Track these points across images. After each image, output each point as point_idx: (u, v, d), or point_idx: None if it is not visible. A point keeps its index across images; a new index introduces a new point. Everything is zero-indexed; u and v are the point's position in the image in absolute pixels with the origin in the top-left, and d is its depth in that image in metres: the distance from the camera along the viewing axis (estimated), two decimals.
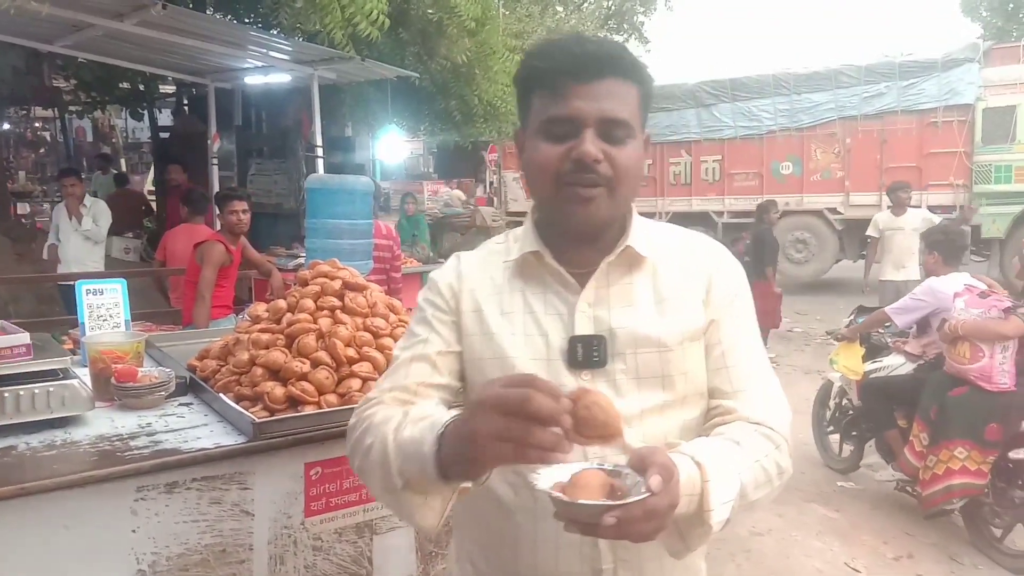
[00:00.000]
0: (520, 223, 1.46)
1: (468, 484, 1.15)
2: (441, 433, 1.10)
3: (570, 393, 1.03)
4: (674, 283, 1.34)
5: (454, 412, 1.15)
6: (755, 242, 8.74)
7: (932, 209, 12.78)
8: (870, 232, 8.63)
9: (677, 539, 1.15)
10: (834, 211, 14.07)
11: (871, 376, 5.16)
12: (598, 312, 1.31)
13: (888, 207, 8.68)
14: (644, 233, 1.36)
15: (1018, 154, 12.56)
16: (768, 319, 8.56)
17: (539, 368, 1.27)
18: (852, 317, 5.75)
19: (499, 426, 0.99)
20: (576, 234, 1.32)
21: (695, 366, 1.33)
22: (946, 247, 4.93)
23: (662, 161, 15.44)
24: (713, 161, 15.11)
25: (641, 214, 1.40)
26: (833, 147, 14.07)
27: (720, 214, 15.01)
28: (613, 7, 27.08)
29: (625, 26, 27.36)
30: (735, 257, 1.44)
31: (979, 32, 27.47)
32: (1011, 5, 27.69)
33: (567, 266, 1.33)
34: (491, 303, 1.35)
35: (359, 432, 1.30)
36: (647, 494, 0.96)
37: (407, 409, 1.26)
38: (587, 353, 1.28)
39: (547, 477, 1.02)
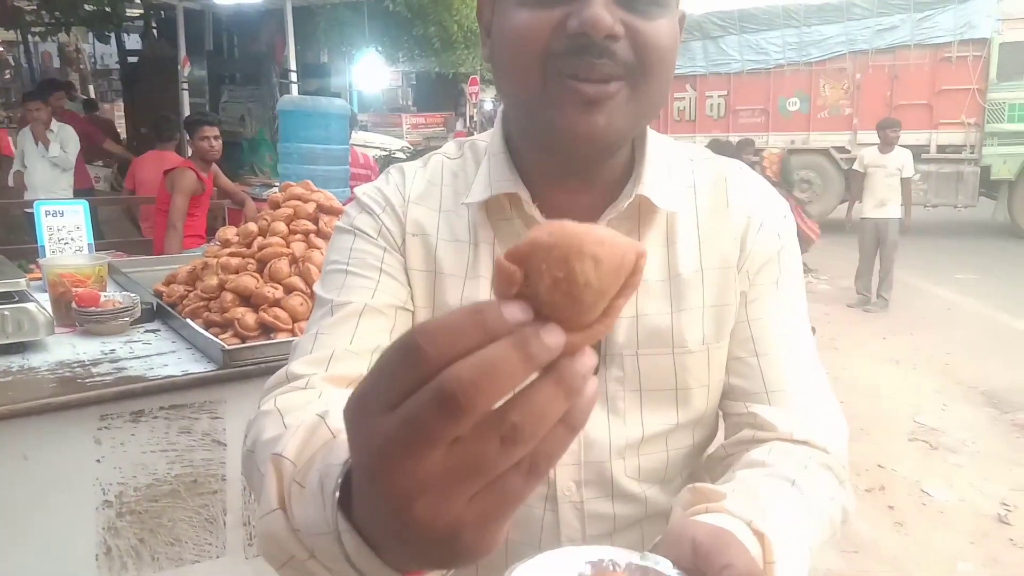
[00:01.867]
0: None
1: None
2: (348, 527, 0.50)
3: (512, 252, 0.39)
4: (698, 247, 0.94)
5: (335, 473, 0.55)
6: None
7: (941, 148, 12.75)
8: (856, 167, 8.56)
9: None
10: (841, 150, 13.69)
11: None
12: None
13: (876, 144, 8.59)
14: (661, 170, 0.93)
15: None
16: None
17: None
18: None
19: (455, 476, 0.39)
20: (569, 161, 0.88)
21: (719, 372, 0.96)
22: None
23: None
24: (719, 96, 14.69)
25: None
26: (842, 83, 13.64)
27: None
28: None
29: None
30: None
31: None
32: None
33: (551, 216, 0.89)
34: (450, 262, 0.94)
35: (245, 449, 0.81)
36: None
37: (323, 412, 0.66)
38: None
39: None
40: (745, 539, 0.68)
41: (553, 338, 0.37)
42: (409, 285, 0.94)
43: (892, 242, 8.13)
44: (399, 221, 0.95)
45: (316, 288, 0.98)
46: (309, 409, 0.74)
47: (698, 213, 0.94)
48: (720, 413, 0.99)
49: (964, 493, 4.28)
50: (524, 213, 0.91)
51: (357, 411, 0.41)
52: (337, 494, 0.50)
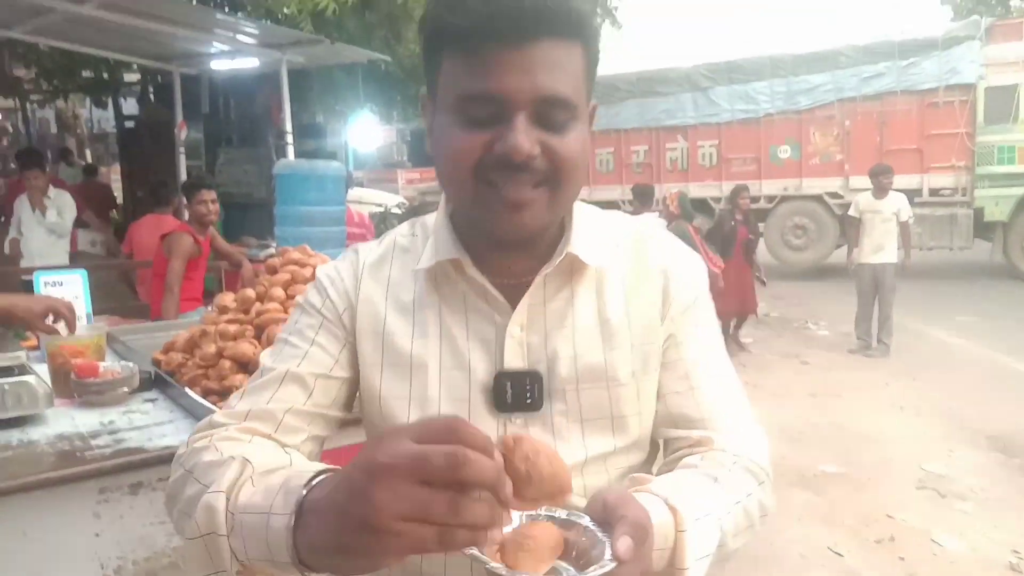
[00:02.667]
0: None
1: None
2: (302, 500, 0.77)
3: (501, 441, 0.75)
4: (623, 296, 1.07)
5: (319, 466, 0.85)
6: (715, 224, 8.90)
7: (934, 192, 12.82)
8: (851, 212, 8.59)
9: None
10: (834, 195, 13.79)
11: None
12: (531, 338, 1.04)
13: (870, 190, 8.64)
14: (587, 231, 1.07)
15: (1021, 134, 12.35)
16: (742, 304, 8.51)
17: (459, 410, 1.02)
18: None
19: (414, 502, 0.65)
20: (503, 243, 1.02)
21: (649, 404, 1.08)
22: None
23: (659, 147, 15.20)
24: (710, 146, 14.85)
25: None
26: (832, 130, 13.80)
27: (718, 200, 14.51)
28: None
29: (599, 10, 27.27)
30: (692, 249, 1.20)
31: (950, 15, 27.68)
32: None
33: (493, 277, 1.04)
34: (399, 325, 1.06)
35: (181, 472, 0.96)
36: (612, 563, 0.73)
37: (247, 452, 0.92)
38: (518, 393, 1.02)
39: None
40: (659, 510, 0.87)
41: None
42: (354, 349, 1.08)
43: (890, 287, 8.14)
44: (347, 295, 1.09)
45: (266, 352, 1.14)
46: (238, 449, 0.95)
47: (622, 268, 1.09)
48: (661, 441, 1.12)
49: (975, 542, 4.23)
50: (467, 276, 1.05)
51: (396, 431, 0.70)
52: (302, 494, 0.77)
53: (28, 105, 15.89)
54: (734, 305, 8.34)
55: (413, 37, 8.62)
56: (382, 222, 13.53)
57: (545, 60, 0.92)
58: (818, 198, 13.87)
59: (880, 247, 8.21)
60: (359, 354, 1.07)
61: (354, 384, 1.10)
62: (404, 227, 1.16)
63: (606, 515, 0.79)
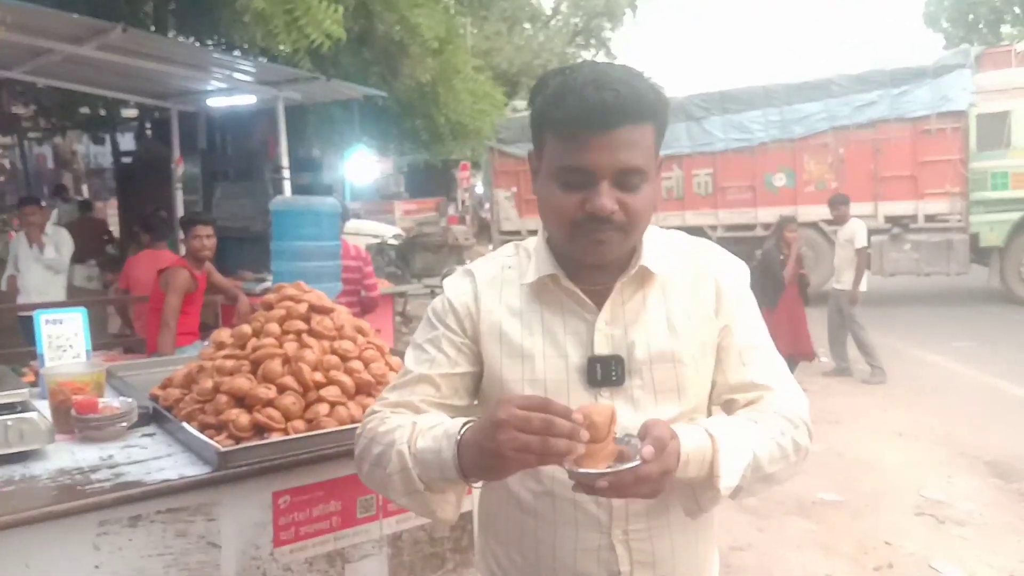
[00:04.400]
0: (510, 241, 1.53)
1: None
2: (459, 441, 1.21)
3: (578, 411, 1.14)
4: (684, 296, 1.40)
5: (463, 420, 1.26)
6: (760, 265, 7.74)
7: (929, 218, 12.86)
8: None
9: (691, 500, 1.28)
10: (830, 223, 13.73)
11: None
12: (614, 331, 1.36)
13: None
14: (654, 248, 1.40)
15: (1014, 160, 12.46)
16: (795, 346, 7.58)
17: (560, 387, 1.34)
18: None
19: (519, 441, 1.10)
20: (591, 266, 1.36)
21: (705, 378, 1.41)
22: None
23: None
24: (705, 175, 14.89)
25: None
26: (826, 158, 13.86)
27: (714, 228, 14.68)
28: (580, 24, 27.33)
29: (593, 42, 27.59)
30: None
31: (941, 42, 28.02)
32: (970, 16, 28.30)
33: (582, 285, 1.37)
34: (513, 326, 1.39)
35: (366, 441, 1.39)
36: (638, 462, 1.11)
37: (415, 419, 1.33)
38: (605, 372, 1.34)
39: None
40: (700, 435, 1.22)
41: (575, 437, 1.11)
42: (474, 349, 1.41)
43: (848, 313, 8.27)
44: (467, 308, 1.42)
45: (407, 350, 1.50)
46: (402, 420, 1.35)
47: (683, 275, 1.41)
48: (720, 406, 1.45)
49: (973, 568, 4.23)
50: (562, 286, 1.38)
51: (508, 399, 1.14)
52: (458, 438, 1.21)
53: (25, 142, 15.95)
54: (784, 348, 7.45)
55: (408, 73, 8.72)
56: (379, 253, 13.59)
57: (623, 141, 1.24)
58: (814, 225, 13.81)
59: (840, 273, 8.42)
60: (484, 350, 1.40)
61: (475, 376, 1.43)
62: (509, 248, 1.50)
63: (644, 433, 1.15)
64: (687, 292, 1.40)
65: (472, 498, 1.90)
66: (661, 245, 1.42)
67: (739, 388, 1.40)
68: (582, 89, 1.24)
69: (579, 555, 1.36)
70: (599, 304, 1.36)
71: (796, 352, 7.57)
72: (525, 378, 1.36)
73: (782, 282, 7.71)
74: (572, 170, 1.26)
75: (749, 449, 1.26)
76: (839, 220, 8.47)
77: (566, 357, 1.35)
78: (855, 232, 8.29)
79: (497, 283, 1.44)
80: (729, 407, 1.42)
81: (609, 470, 1.11)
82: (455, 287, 1.46)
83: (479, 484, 1.30)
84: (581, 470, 1.11)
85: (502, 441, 1.11)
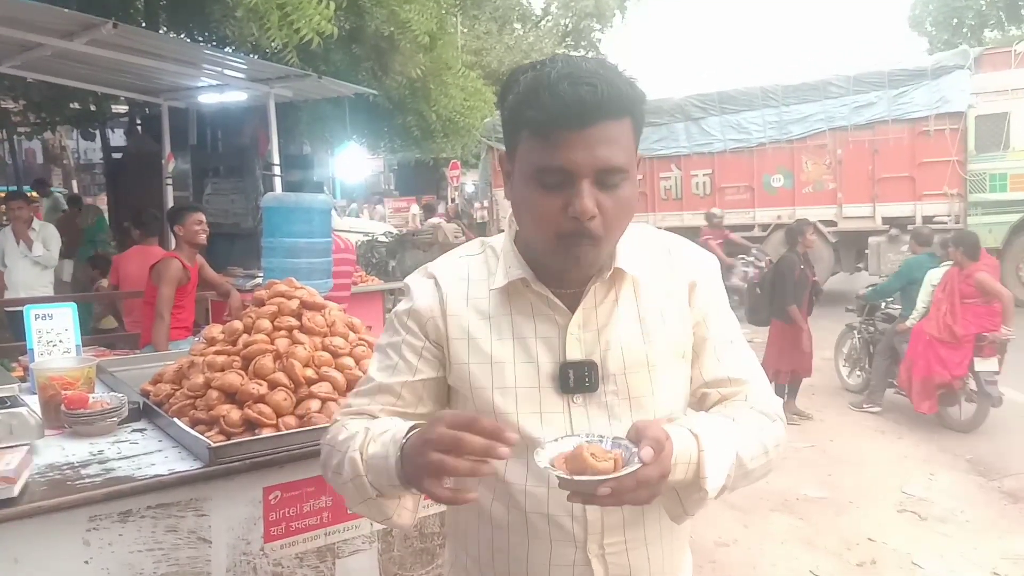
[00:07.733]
0: None
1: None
2: (402, 446, 1.19)
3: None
4: (657, 296, 1.35)
5: (410, 425, 1.24)
6: (777, 273, 7.27)
7: (927, 219, 12.61)
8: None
9: (677, 504, 1.23)
10: (828, 223, 13.73)
11: None
12: (587, 335, 1.30)
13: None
14: (628, 247, 1.34)
15: (1012, 161, 12.37)
16: (798, 363, 7.08)
17: (531, 395, 1.29)
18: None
19: (442, 460, 1.10)
20: (568, 273, 1.31)
21: (682, 381, 1.37)
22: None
23: (652, 176, 15.22)
24: (703, 175, 14.90)
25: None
26: (824, 159, 13.81)
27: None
28: (570, 25, 27.34)
29: (583, 43, 27.62)
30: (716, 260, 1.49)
31: (926, 45, 28.15)
32: (955, 20, 28.44)
33: (552, 287, 1.31)
34: (482, 331, 1.33)
35: (327, 450, 1.37)
36: (639, 465, 1.06)
37: (369, 424, 1.32)
38: (578, 378, 1.29)
39: (549, 452, 1.13)
40: (684, 436, 1.17)
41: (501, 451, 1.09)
42: (438, 354, 1.36)
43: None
44: (431, 312, 1.35)
45: (374, 353, 1.47)
46: (359, 424, 1.33)
47: (655, 274, 1.37)
48: (696, 400, 1.40)
49: (955, 564, 4.28)
50: (532, 289, 1.31)
51: (439, 417, 1.13)
52: (403, 442, 1.19)
53: (15, 137, 15.86)
54: (787, 364, 7.04)
55: (399, 69, 8.71)
56: (369, 250, 13.58)
57: (602, 138, 1.18)
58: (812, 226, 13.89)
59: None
60: (452, 355, 1.34)
61: (440, 381, 1.37)
62: (473, 246, 1.44)
63: (637, 436, 1.10)
64: (660, 291, 1.35)
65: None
66: (634, 243, 1.36)
67: (714, 383, 1.37)
68: (557, 85, 1.16)
69: (553, 571, 1.31)
70: (571, 307, 1.30)
71: (798, 369, 7.09)
72: (495, 385, 1.30)
73: (803, 289, 7.09)
74: (550, 171, 1.19)
75: (732, 447, 1.23)
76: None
77: (537, 363, 1.29)
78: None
79: (463, 284, 1.37)
80: (703, 401, 1.39)
81: (609, 476, 1.05)
82: (417, 289, 1.40)
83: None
84: (579, 477, 1.06)
85: (428, 457, 1.10)
